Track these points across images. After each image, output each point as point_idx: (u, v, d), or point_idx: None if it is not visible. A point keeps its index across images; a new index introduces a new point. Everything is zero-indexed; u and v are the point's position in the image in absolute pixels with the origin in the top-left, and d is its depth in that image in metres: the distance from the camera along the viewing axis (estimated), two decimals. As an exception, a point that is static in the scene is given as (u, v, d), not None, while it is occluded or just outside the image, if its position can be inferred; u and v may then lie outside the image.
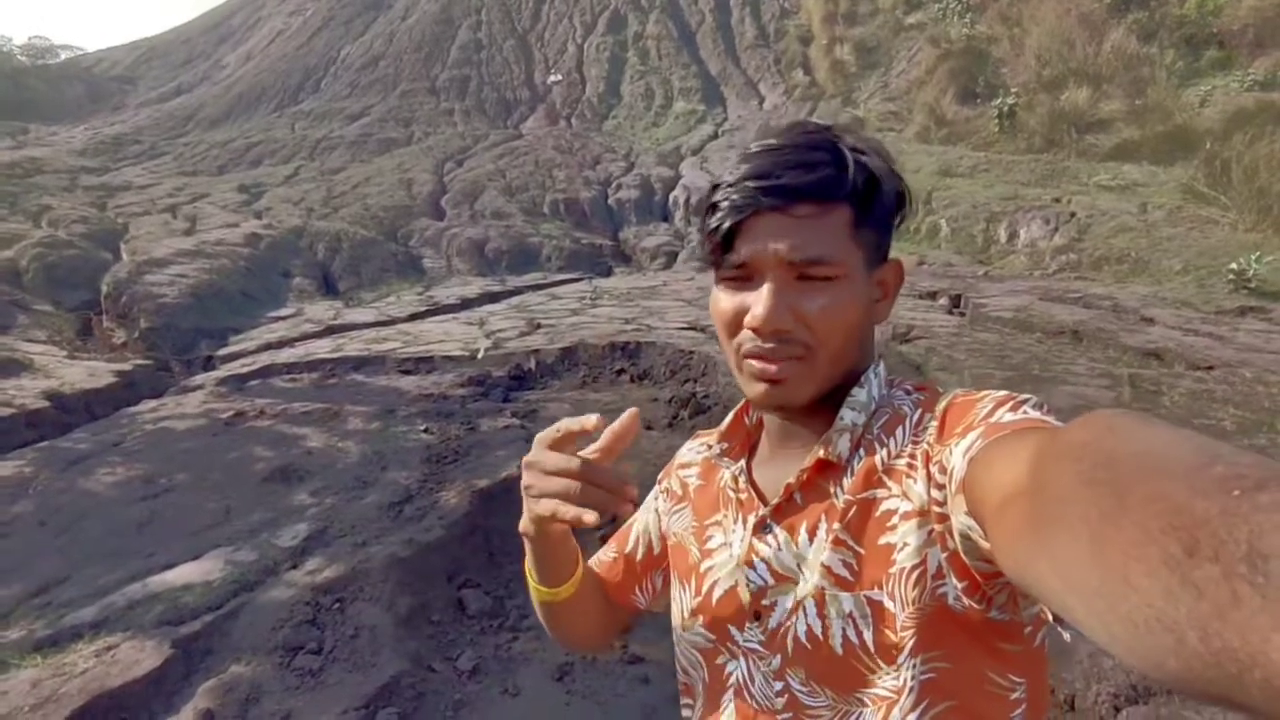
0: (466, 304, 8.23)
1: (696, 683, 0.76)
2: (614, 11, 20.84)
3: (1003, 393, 0.57)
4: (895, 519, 0.61)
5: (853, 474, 0.65)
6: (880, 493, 0.62)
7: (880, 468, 0.63)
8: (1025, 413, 0.54)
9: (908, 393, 0.68)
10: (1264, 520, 0.28)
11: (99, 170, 13.60)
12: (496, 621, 2.61)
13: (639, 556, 0.87)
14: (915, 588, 0.59)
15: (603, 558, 0.91)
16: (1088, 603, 0.35)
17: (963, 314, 6.80)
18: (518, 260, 10.38)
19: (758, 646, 0.69)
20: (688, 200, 12.41)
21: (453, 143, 15.38)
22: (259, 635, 2.33)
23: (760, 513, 0.70)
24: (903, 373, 4.59)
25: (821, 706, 0.65)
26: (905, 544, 0.59)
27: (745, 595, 0.69)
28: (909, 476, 0.61)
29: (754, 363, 0.66)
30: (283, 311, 8.04)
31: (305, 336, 6.90)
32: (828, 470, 0.67)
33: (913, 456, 0.61)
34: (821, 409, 0.68)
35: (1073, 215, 9.20)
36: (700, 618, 0.74)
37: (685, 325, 6.31)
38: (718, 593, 0.72)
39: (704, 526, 0.77)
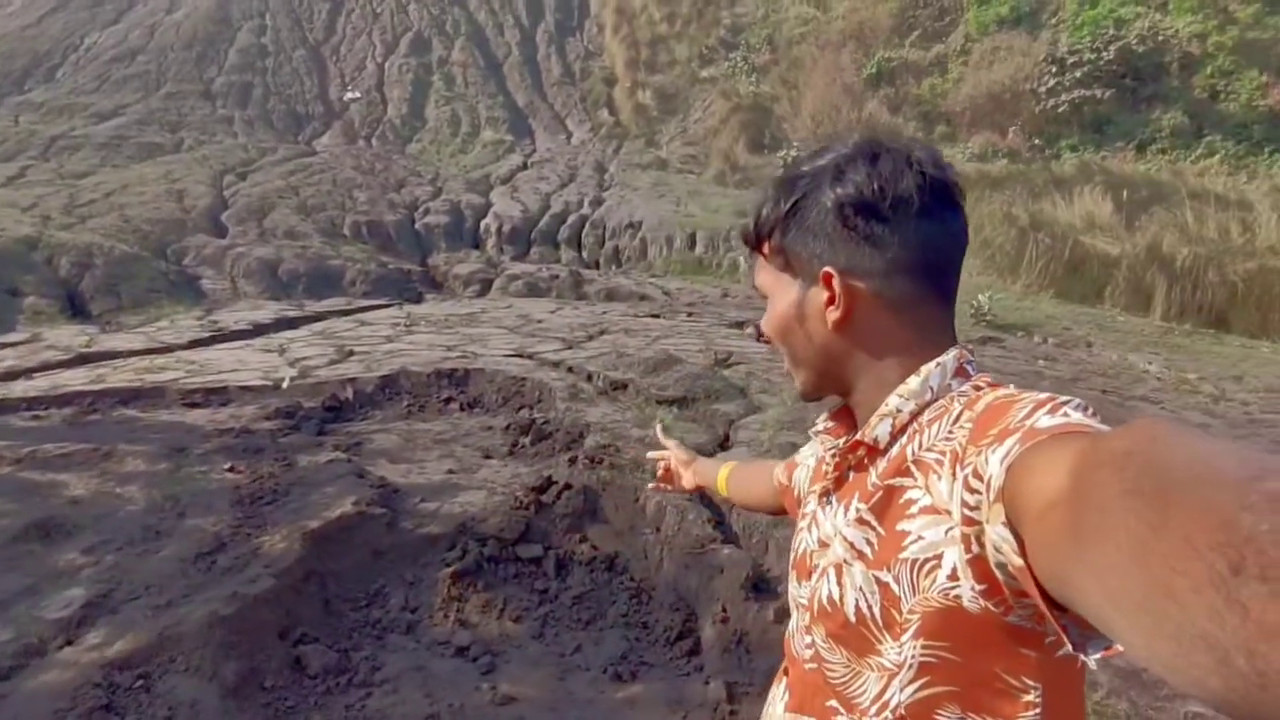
0: (260, 329, 7.37)
1: None
2: (417, 33, 20.23)
3: (1043, 394, 0.57)
4: (914, 509, 0.63)
5: (889, 459, 0.68)
6: (906, 481, 0.65)
7: (911, 457, 0.65)
8: (1065, 414, 0.53)
9: (976, 388, 0.67)
10: None
11: None
12: (344, 678, 2.31)
13: (794, 494, 0.99)
14: (926, 579, 0.60)
15: (781, 478, 1.03)
16: (1129, 616, 0.35)
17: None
18: (317, 284, 9.53)
19: (804, 602, 0.76)
20: (500, 229, 12.28)
21: (234, 154, 13.84)
22: (30, 732, 1.84)
23: (824, 483, 0.76)
24: (729, 396, 4.88)
25: (838, 663, 0.70)
26: (920, 537, 0.61)
27: (808, 557, 0.77)
28: (935, 472, 0.62)
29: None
30: (13, 337, 6.62)
31: (48, 366, 5.72)
32: (872, 452, 0.70)
33: (942, 453, 0.62)
34: (874, 395, 0.72)
35: (848, 257, 10.46)
36: (794, 573, 0.81)
37: (512, 352, 6.18)
38: (799, 551, 0.80)
39: (808, 493, 0.85)
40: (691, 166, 15.35)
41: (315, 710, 2.16)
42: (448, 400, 5.20)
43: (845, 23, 16.49)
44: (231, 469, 3.56)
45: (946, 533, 0.59)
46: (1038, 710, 0.61)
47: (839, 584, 0.68)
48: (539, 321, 7.84)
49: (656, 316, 8.56)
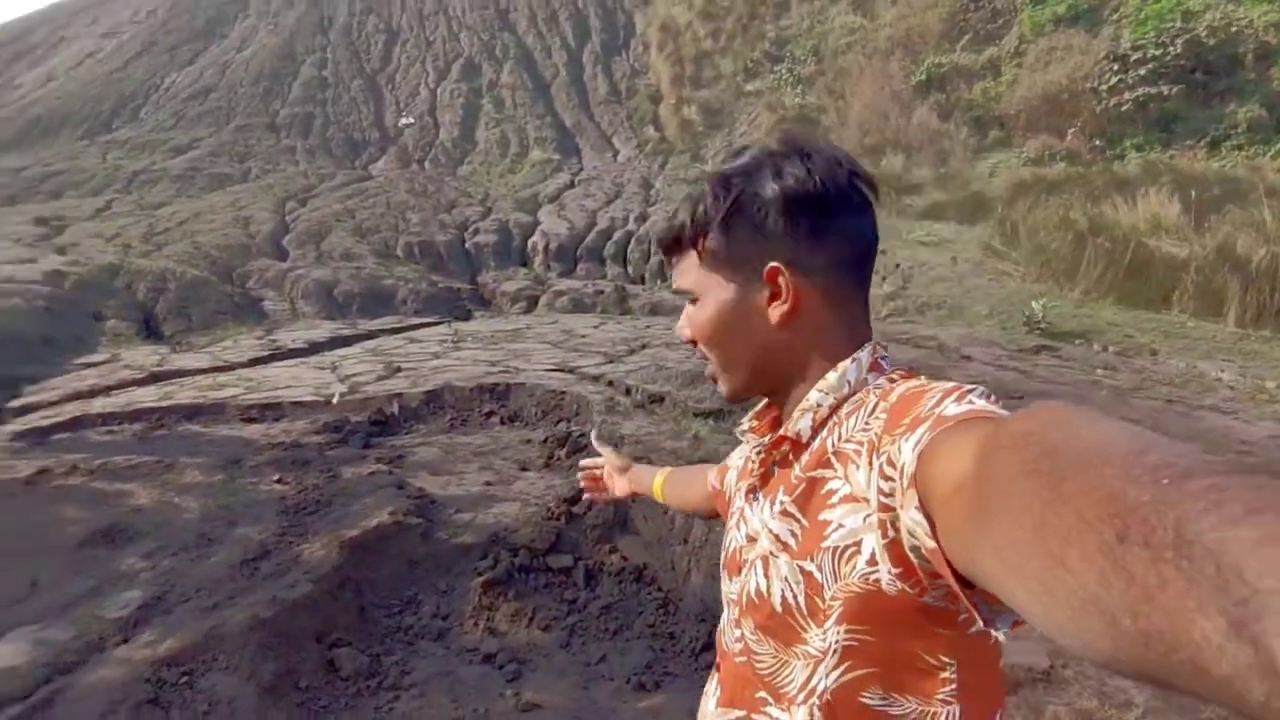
0: (315, 348, 7.68)
1: None
2: (468, 59, 20.89)
3: (950, 384, 0.60)
4: (835, 499, 0.64)
5: (810, 452, 0.70)
6: (827, 472, 0.66)
7: (831, 449, 0.67)
8: (971, 402, 0.55)
9: (891, 380, 0.70)
10: (1190, 507, 0.30)
11: None
12: (374, 681, 2.39)
13: (725, 496, 0.99)
14: (846, 566, 0.62)
15: (714, 481, 1.05)
16: (1027, 586, 0.37)
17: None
18: (370, 303, 9.88)
19: (734, 597, 0.77)
20: (547, 246, 12.50)
21: (295, 181, 14.52)
22: (83, 724, 1.98)
23: (750, 481, 0.78)
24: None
25: (766, 654, 0.71)
26: (841, 525, 0.63)
27: (738, 553, 0.78)
28: (853, 462, 0.64)
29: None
30: (95, 358, 7.08)
31: (124, 384, 6.10)
32: (798, 447, 0.72)
33: (860, 443, 0.64)
34: (804, 390, 0.73)
35: (898, 266, 10.26)
36: (725, 571, 0.82)
37: (554, 367, 6.28)
38: (730, 549, 0.81)
39: (736, 491, 0.86)
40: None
41: (346, 711, 2.24)
42: (489, 414, 5.32)
43: (893, 30, 16.27)
44: (280, 480, 3.74)
45: (865, 520, 0.61)
46: (953, 685, 0.63)
47: (766, 576, 0.70)
48: (582, 336, 7.94)
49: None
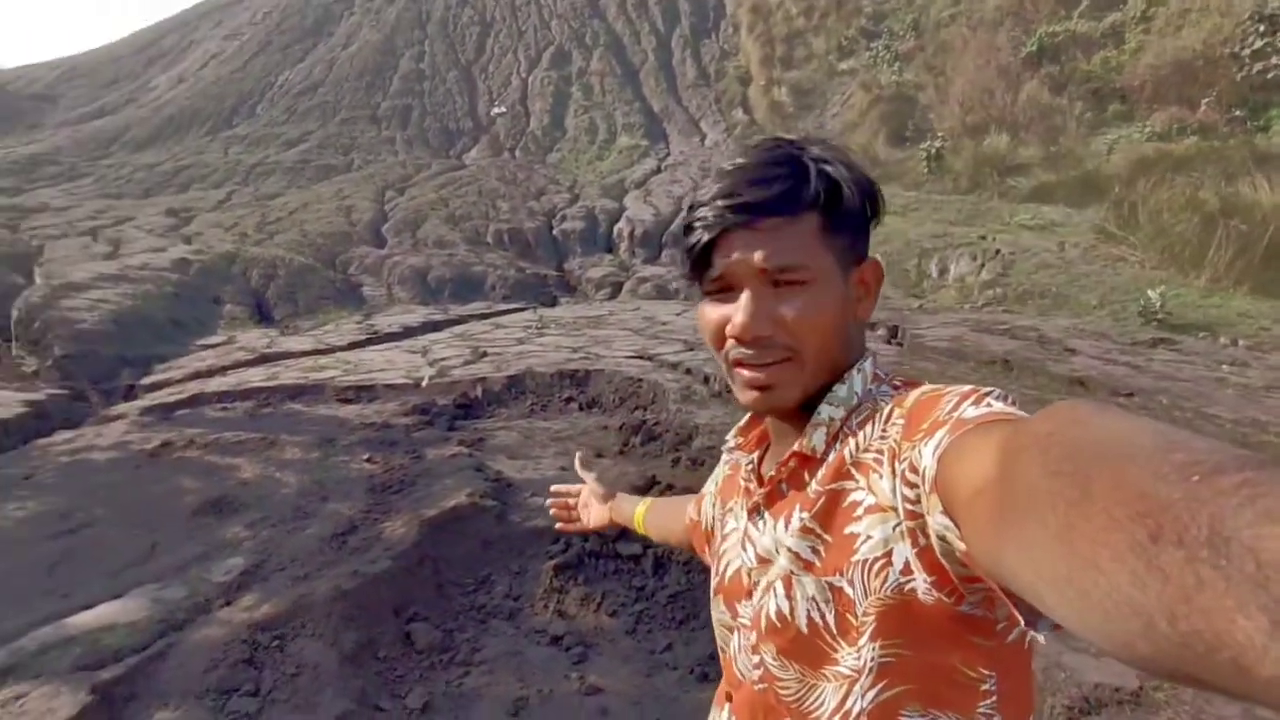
0: (409, 332, 8.05)
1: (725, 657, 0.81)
2: (558, 47, 21.15)
3: (967, 387, 0.58)
4: (860, 510, 0.62)
5: (826, 466, 0.67)
6: (848, 484, 0.64)
7: (849, 460, 0.65)
8: (989, 405, 0.54)
9: (895, 388, 0.69)
10: (1223, 504, 0.29)
11: (11, 191, 12.86)
12: (447, 656, 2.51)
13: (702, 528, 0.94)
14: (878, 578, 0.60)
15: (691, 513, 1.00)
16: (1059, 591, 0.36)
17: (900, 344, 7.04)
18: (461, 289, 10.25)
19: (747, 622, 0.73)
20: (632, 233, 12.56)
21: (394, 171, 15.19)
22: (189, 678, 2.17)
23: (754, 499, 0.75)
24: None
25: (790, 679, 0.68)
26: (869, 536, 0.61)
27: (744, 575, 0.75)
28: (875, 471, 0.62)
29: (743, 371, 0.70)
30: (213, 339, 7.69)
31: (238, 365, 6.60)
32: (807, 462, 0.70)
33: (879, 451, 0.62)
34: (809, 407, 0.70)
35: (998, 252, 9.69)
36: (720, 596, 0.80)
37: (633, 354, 6.33)
38: (729, 572, 0.78)
39: (724, 513, 0.83)
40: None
41: (419, 682, 2.36)
42: (568, 400, 5.43)
43: (1002, -1, 15.26)
44: (369, 460, 3.95)
45: (895, 529, 0.59)
46: (993, 699, 0.61)
47: (788, 597, 0.67)
48: (663, 323, 7.96)
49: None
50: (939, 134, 13.20)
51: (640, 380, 5.36)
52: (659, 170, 15.80)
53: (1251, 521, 0.28)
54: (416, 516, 3.08)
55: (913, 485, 0.55)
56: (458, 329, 8.16)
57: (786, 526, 0.69)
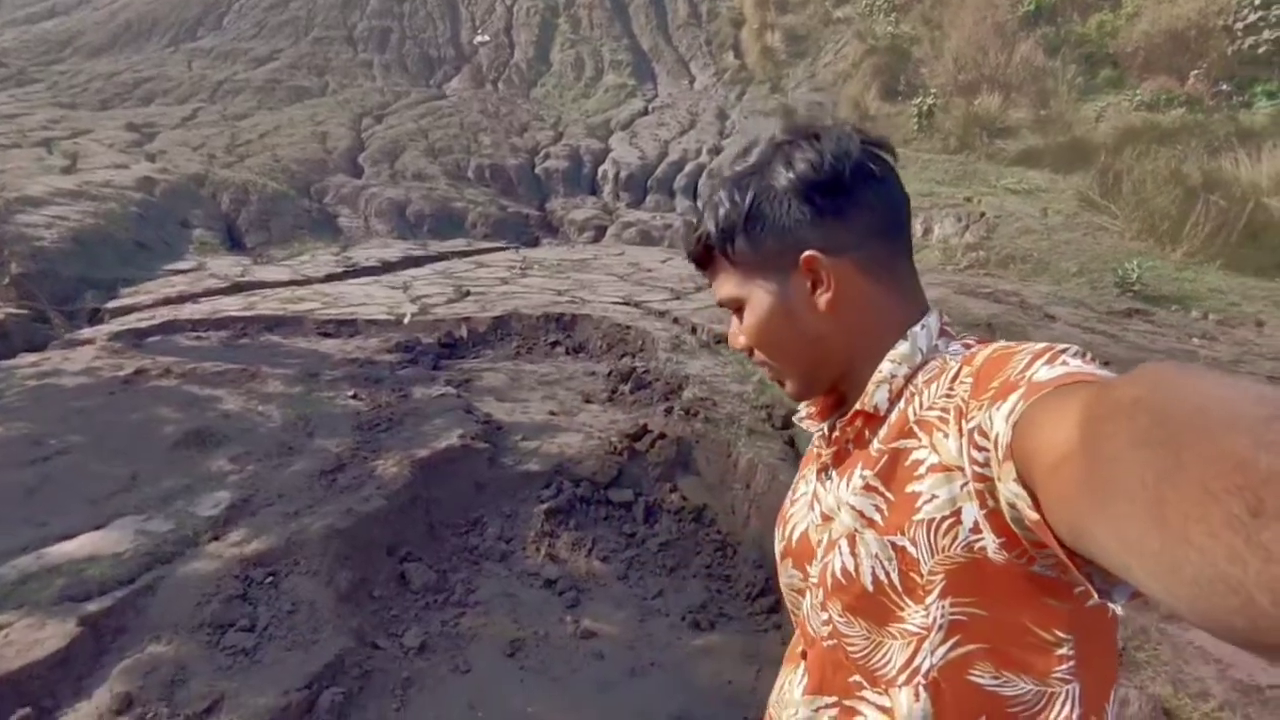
0: (388, 267, 7.85)
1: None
2: (546, -26, 20.19)
3: (1040, 344, 0.56)
4: (923, 469, 0.62)
5: (889, 425, 0.67)
6: (911, 443, 0.64)
7: (913, 419, 0.65)
8: (1065, 364, 0.52)
9: (967, 346, 0.68)
10: None
11: (-44, 94, 12.04)
12: (441, 596, 2.51)
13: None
14: (946, 536, 0.59)
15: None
16: (1148, 565, 0.34)
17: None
18: (441, 225, 9.99)
19: (816, 580, 0.74)
20: (617, 175, 12.30)
21: (371, 97, 14.55)
22: (181, 612, 2.14)
23: (822, 460, 0.76)
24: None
25: (857, 636, 0.68)
26: (934, 495, 0.60)
27: (810, 534, 0.76)
28: (939, 430, 0.61)
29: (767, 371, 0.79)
30: (182, 264, 7.41)
31: (210, 292, 6.38)
32: (871, 420, 0.70)
33: (944, 410, 0.61)
34: (870, 368, 0.71)
35: (982, 215, 9.71)
36: (789, 559, 0.80)
37: (619, 300, 6.26)
38: (795, 535, 0.79)
39: (797, 481, 0.85)
40: (819, 114, 14.62)
41: (415, 622, 2.36)
42: (554, 344, 5.37)
43: (1003, -47, 14.89)
44: (354, 396, 3.87)
45: (962, 488, 0.58)
46: (1072, 663, 0.60)
47: (853, 554, 0.67)
48: (649, 270, 7.87)
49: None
50: (931, 90, 13.02)
51: (628, 327, 5.32)
52: (646, 112, 15.40)
53: None
54: (408, 456, 3.04)
55: (982, 449, 0.53)
56: (439, 266, 7.97)
57: (849, 484, 0.69)
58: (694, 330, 5.39)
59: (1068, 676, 0.60)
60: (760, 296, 0.73)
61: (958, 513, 0.59)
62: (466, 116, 13.96)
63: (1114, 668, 0.66)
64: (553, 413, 3.94)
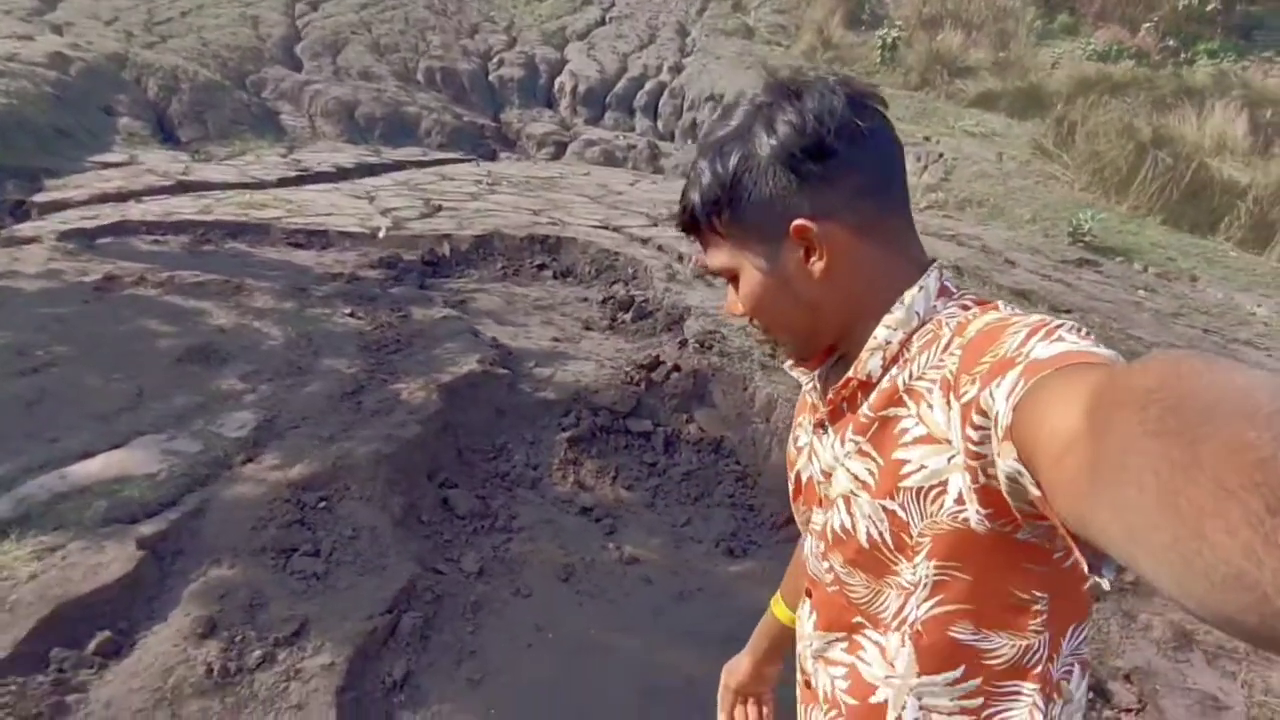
0: (343, 174, 7.38)
1: None
2: None
3: (1035, 318, 0.56)
4: (909, 438, 0.63)
5: (880, 391, 0.68)
6: (900, 410, 0.65)
7: (903, 387, 0.65)
8: (1062, 339, 0.50)
9: (964, 308, 0.67)
10: None
11: None
12: (486, 523, 2.53)
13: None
14: (934, 504, 0.61)
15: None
16: (1158, 557, 0.33)
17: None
18: (393, 131, 9.40)
19: (818, 529, 0.77)
20: (575, 89, 11.80)
21: (304, -22, 13.23)
22: (237, 535, 2.08)
23: (819, 415, 0.76)
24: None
25: (858, 584, 0.72)
26: (923, 466, 0.61)
27: (816, 485, 0.77)
28: (926, 401, 0.62)
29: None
30: (111, 157, 6.74)
31: (152, 190, 5.86)
32: (865, 386, 0.70)
33: (933, 381, 0.61)
34: (868, 328, 0.70)
35: (940, 156, 9.90)
36: (801, 500, 0.83)
37: (598, 223, 6.14)
38: (804, 479, 0.81)
39: (795, 427, 0.86)
40: (780, 38, 14.31)
41: (468, 547, 2.38)
42: (540, 267, 5.26)
43: (974, -118, 14.62)
44: (352, 314, 3.72)
45: (949, 460, 0.59)
46: (1044, 616, 0.64)
47: (849, 514, 0.70)
48: (619, 193, 7.71)
49: (737, 200, 8.37)
50: (896, 22, 12.93)
51: (616, 253, 5.25)
52: (603, 22, 14.66)
53: None
54: (432, 381, 2.98)
55: (980, 429, 0.52)
56: (399, 176, 7.56)
57: (842, 446, 0.71)
58: (681, 259, 5.38)
59: (1041, 629, 0.65)
60: (752, 267, 0.71)
61: (944, 483, 0.60)
62: (412, 11, 12.94)
63: (1083, 609, 0.69)
64: (556, 339, 3.91)
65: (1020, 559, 0.61)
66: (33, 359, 2.84)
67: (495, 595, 2.20)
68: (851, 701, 0.74)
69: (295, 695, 1.63)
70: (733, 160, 0.69)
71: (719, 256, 0.74)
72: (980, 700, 0.67)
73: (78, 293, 3.49)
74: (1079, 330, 0.52)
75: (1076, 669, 0.70)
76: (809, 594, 0.81)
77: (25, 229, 4.64)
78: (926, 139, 10.33)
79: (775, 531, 2.80)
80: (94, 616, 1.73)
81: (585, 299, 4.71)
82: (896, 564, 0.66)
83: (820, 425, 0.75)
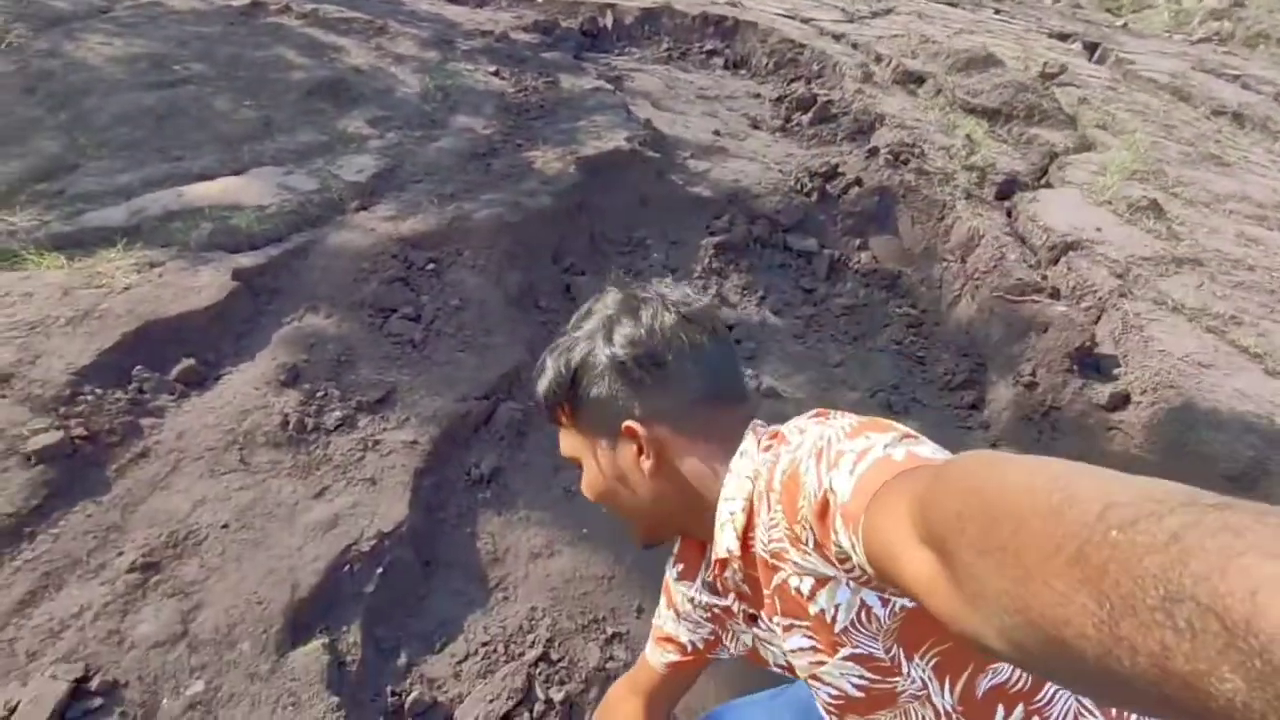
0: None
1: None
2: None
3: (810, 440, 0.56)
4: (806, 590, 0.61)
5: (759, 566, 0.65)
6: (781, 574, 0.63)
7: (768, 555, 0.63)
8: (841, 467, 0.51)
9: (767, 449, 0.66)
10: (1151, 564, 0.28)
11: None
12: (610, 320, 2.20)
13: (704, 644, 0.87)
14: (871, 623, 0.60)
15: (670, 656, 0.88)
16: (1043, 664, 0.34)
17: (1099, 64, 5.80)
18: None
19: (824, 703, 0.72)
20: None
21: None
22: (337, 284, 1.88)
23: (741, 610, 0.74)
24: (1056, 121, 3.85)
25: (885, 716, 0.68)
26: (836, 604, 0.60)
27: (789, 666, 0.74)
28: (790, 557, 0.60)
29: None
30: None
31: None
32: (744, 560, 0.67)
33: (780, 540, 0.60)
34: (714, 513, 0.68)
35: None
36: (787, 671, 0.79)
37: (785, 12, 5.20)
38: (783, 661, 0.76)
39: (719, 629, 0.83)
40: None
41: (585, 343, 2.09)
42: (710, 53, 4.54)
43: None
44: (496, 73, 3.31)
45: (847, 585, 0.58)
46: None
47: (829, 682, 0.67)
48: (816, -19, 6.50)
49: (955, 5, 6.92)
50: None
51: (802, 46, 4.41)
52: None
53: (1200, 575, 0.26)
54: (570, 152, 2.58)
55: (844, 560, 0.52)
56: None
57: (779, 633, 0.68)
58: (878, 60, 4.45)
59: None
60: (591, 458, 0.74)
61: (862, 602, 0.59)
62: None
63: None
64: (717, 133, 3.34)
65: None
66: (170, 73, 2.68)
67: (608, 401, 1.92)
68: None
69: (370, 468, 1.44)
70: (575, 361, 0.72)
71: (566, 444, 0.76)
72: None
73: (223, 15, 3.28)
74: (846, 431, 0.54)
75: None
76: None
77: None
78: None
79: (948, 393, 2.31)
80: (181, 341, 1.60)
81: (758, 95, 4.02)
82: (896, 685, 0.64)
83: (751, 618, 0.75)
